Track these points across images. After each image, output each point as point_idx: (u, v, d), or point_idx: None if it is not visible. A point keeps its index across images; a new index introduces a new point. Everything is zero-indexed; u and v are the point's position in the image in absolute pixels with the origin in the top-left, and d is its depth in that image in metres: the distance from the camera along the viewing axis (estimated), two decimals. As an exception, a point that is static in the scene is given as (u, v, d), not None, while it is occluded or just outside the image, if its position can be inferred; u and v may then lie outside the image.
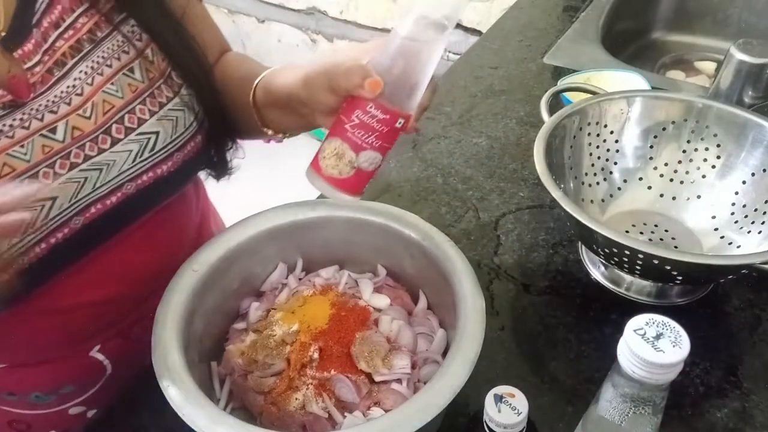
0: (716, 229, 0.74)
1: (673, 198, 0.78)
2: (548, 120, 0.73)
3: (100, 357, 0.67)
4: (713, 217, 0.75)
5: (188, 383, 0.51)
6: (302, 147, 1.15)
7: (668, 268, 0.60)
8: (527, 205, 0.85)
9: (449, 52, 1.93)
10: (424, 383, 0.56)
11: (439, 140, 0.97)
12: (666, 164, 0.78)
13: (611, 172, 0.79)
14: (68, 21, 0.57)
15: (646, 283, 0.71)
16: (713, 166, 0.76)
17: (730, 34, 1.23)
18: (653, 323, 0.44)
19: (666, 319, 0.45)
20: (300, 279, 0.68)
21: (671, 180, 0.78)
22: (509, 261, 0.77)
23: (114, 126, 0.59)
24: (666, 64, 1.21)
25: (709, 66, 1.19)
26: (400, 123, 0.53)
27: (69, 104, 0.57)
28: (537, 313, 0.71)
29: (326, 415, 0.55)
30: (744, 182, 0.73)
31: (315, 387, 0.56)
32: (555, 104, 0.78)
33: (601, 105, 0.77)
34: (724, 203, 0.74)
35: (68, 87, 0.57)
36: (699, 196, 0.76)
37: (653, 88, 0.96)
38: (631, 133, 0.78)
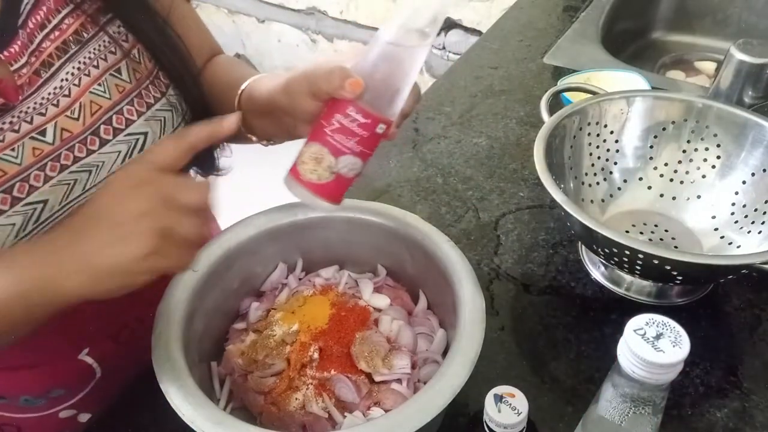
0: (716, 229, 0.74)
1: (673, 198, 0.78)
2: (548, 120, 0.73)
3: (90, 360, 0.66)
4: (713, 217, 0.75)
5: (188, 383, 0.51)
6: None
7: (668, 268, 0.60)
8: (527, 205, 0.85)
9: (449, 52, 1.93)
10: (424, 383, 0.55)
11: (439, 140, 0.97)
12: (666, 164, 0.78)
13: (611, 172, 0.79)
14: (54, 22, 0.57)
15: (646, 283, 0.71)
16: (713, 166, 0.76)
17: (730, 34, 1.23)
18: (653, 323, 0.44)
19: (666, 319, 0.45)
20: (300, 279, 0.68)
21: (671, 180, 0.78)
22: (509, 261, 0.77)
23: (102, 127, 0.59)
24: (666, 64, 1.21)
25: (709, 66, 1.19)
26: (381, 128, 0.52)
27: (57, 106, 0.56)
28: (537, 313, 0.71)
29: (326, 415, 0.55)
30: (744, 182, 0.73)
31: (315, 387, 0.56)
32: (555, 104, 0.78)
33: (601, 105, 0.77)
34: (724, 203, 0.74)
35: (55, 88, 0.56)
36: (699, 196, 0.76)
37: (653, 88, 0.96)
38: (631, 133, 0.78)
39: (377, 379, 0.57)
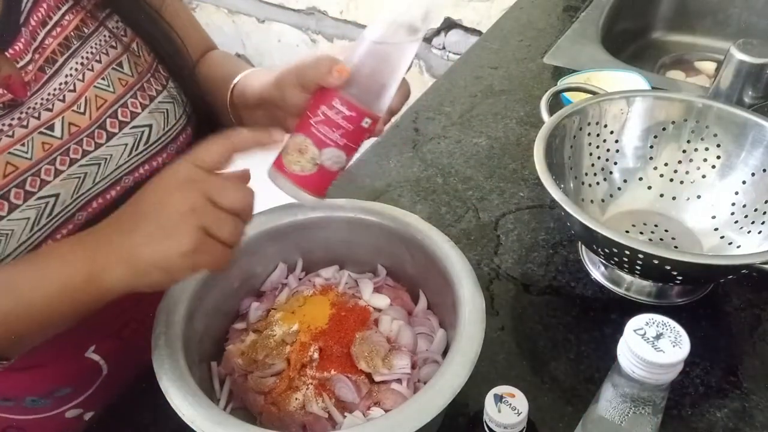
0: (716, 229, 0.74)
1: (673, 198, 0.78)
2: (548, 120, 0.73)
3: (96, 357, 0.67)
4: (713, 217, 0.75)
5: (188, 383, 0.51)
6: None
7: (668, 268, 0.60)
8: (527, 205, 0.85)
9: (449, 52, 1.93)
10: (424, 383, 0.56)
11: (439, 140, 0.97)
12: (666, 164, 0.78)
13: (611, 172, 0.79)
14: (55, 18, 0.58)
15: (646, 283, 0.71)
16: (713, 166, 0.76)
17: (730, 34, 1.23)
18: (653, 323, 0.44)
19: (666, 319, 0.45)
20: (300, 279, 0.68)
21: (671, 180, 0.78)
22: (509, 261, 0.77)
23: (108, 120, 0.60)
24: (666, 64, 1.21)
25: (709, 66, 1.19)
26: (366, 122, 0.52)
27: (63, 101, 0.57)
28: (537, 313, 0.71)
29: (326, 415, 0.55)
30: (744, 182, 0.73)
31: (315, 387, 0.56)
32: (555, 104, 0.78)
33: (601, 105, 0.77)
34: (724, 203, 0.74)
35: (61, 84, 0.57)
36: (699, 196, 0.76)
37: (653, 88, 0.96)
38: (631, 133, 0.78)
39: (377, 379, 0.57)
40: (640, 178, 0.79)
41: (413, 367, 0.58)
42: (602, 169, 0.79)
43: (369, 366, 0.57)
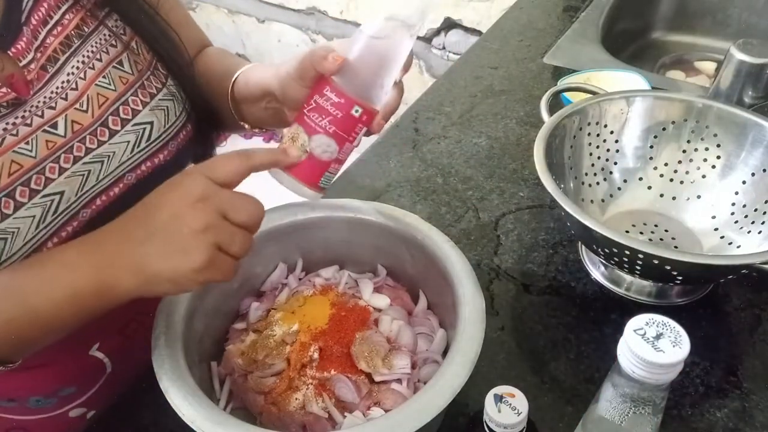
0: (716, 229, 0.74)
1: (673, 198, 0.78)
2: (548, 120, 0.73)
3: (100, 355, 0.67)
4: (713, 217, 0.75)
5: (188, 383, 0.51)
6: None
7: (668, 268, 0.60)
8: (527, 205, 0.85)
9: (449, 52, 1.93)
10: (424, 383, 0.56)
11: (439, 140, 0.97)
12: (666, 164, 0.78)
13: (611, 172, 0.79)
14: (55, 18, 0.58)
15: (646, 283, 0.71)
16: (713, 166, 0.76)
17: (730, 34, 1.23)
18: (653, 323, 0.44)
19: (666, 319, 0.45)
20: (300, 279, 0.68)
21: (671, 180, 0.78)
22: (509, 261, 0.77)
23: (110, 118, 0.60)
24: (666, 64, 1.21)
25: (709, 66, 1.19)
26: (356, 111, 0.53)
27: (66, 99, 0.58)
28: (537, 313, 0.71)
29: (326, 415, 0.55)
30: (744, 182, 0.73)
31: (315, 387, 0.56)
32: (555, 104, 0.78)
33: (601, 105, 0.77)
34: (724, 203, 0.74)
35: (63, 82, 0.58)
36: (699, 196, 0.76)
37: (653, 88, 0.96)
38: (631, 133, 0.78)
39: (377, 379, 0.57)
40: (640, 178, 0.79)
41: (413, 367, 0.58)
42: (602, 169, 0.79)
43: (369, 366, 0.57)
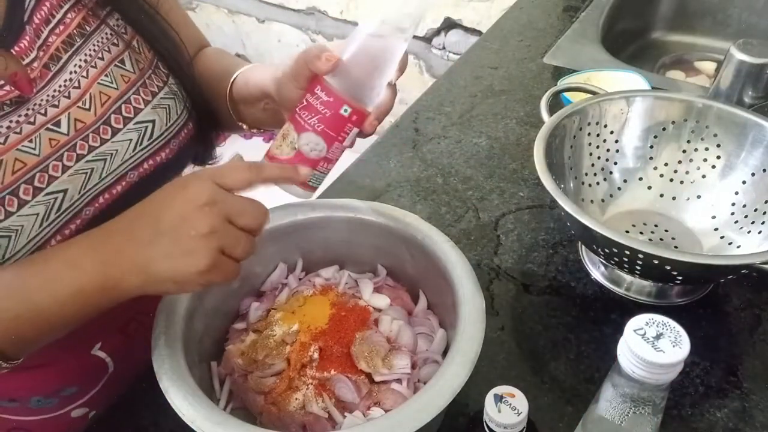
0: (716, 229, 0.74)
1: (673, 198, 0.78)
2: (548, 120, 0.73)
3: (102, 355, 0.67)
4: (713, 217, 0.75)
5: (188, 383, 0.51)
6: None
7: (668, 268, 0.60)
8: (527, 205, 0.85)
9: (449, 52, 1.93)
10: (424, 383, 0.56)
11: (439, 140, 0.97)
12: (666, 164, 0.78)
13: (611, 172, 0.79)
14: (58, 16, 0.59)
15: (646, 283, 0.71)
16: (713, 166, 0.76)
17: (730, 34, 1.23)
18: (653, 323, 0.44)
19: (666, 319, 0.45)
20: (300, 279, 0.68)
21: (671, 180, 0.78)
22: (509, 261, 0.77)
23: (113, 116, 0.61)
24: (666, 64, 1.21)
25: (709, 66, 1.19)
26: (345, 110, 0.54)
27: (68, 97, 0.58)
28: (537, 313, 0.71)
29: (326, 415, 0.55)
30: (744, 182, 0.73)
31: (315, 387, 0.56)
32: (555, 104, 0.78)
33: (601, 105, 0.77)
34: (724, 203, 0.74)
35: (65, 81, 0.58)
36: (699, 196, 0.76)
37: (653, 88, 0.96)
38: (631, 133, 0.78)
39: (377, 379, 0.57)
40: (640, 178, 0.79)
41: (413, 367, 0.58)
42: (602, 169, 0.79)
43: (369, 366, 0.57)
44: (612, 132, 0.78)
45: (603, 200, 0.79)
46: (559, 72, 1.08)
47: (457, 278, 0.57)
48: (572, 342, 0.68)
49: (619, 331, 0.45)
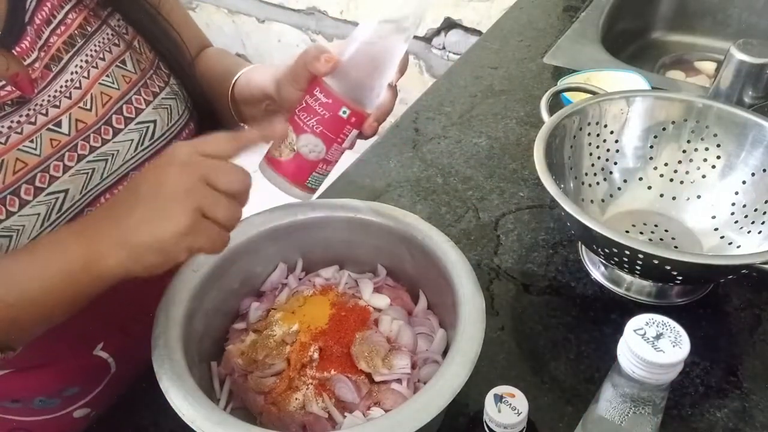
0: (716, 229, 0.74)
1: (673, 198, 0.78)
2: (548, 120, 0.73)
3: (104, 355, 0.67)
4: (713, 217, 0.75)
5: (188, 383, 0.51)
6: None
7: (668, 268, 0.60)
8: (527, 205, 0.85)
9: (449, 52, 1.93)
10: (424, 383, 0.56)
11: (439, 140, 0.97)
12: (666, 164, 0.78)
13: (611, 172, 0.79)
14: (59, 17, 0.59)
15: (646, 283, 0.71)
16: (713, 166, 0.76)
17: (730, 34, 1.23)
18: (653, 323, 0.44)
19: (666, 319, 0.45)
20: (300, 279, 0.68)
21: (671, 180, 0.78)
22: (509, 261, 0.77)
23: (114, 117, 0.61)
24: (666, 64, 1.21)
25: (709, 66, 1.19)
26: (344, 112, 0.54)
27: (70, 98, 0.58)
28: (537, 313, 0.71)
29: (326, 415, 0.55)
30: (744, 182, 0.73)
31: (315, 387, 0.56)
32: (555, 104, 0.78)
33: (601, 105, 0.77)
34: (724, 203, 0.74)
35: (66, 81, 0.58)
36: (699, 196, 0.76)
37: (653, 88, 0.96)
38: (631, 133, 0.78)
39: (377, 379, 0.57)
40: (640, 178, 0.79)
41: (413, 367, 0.58)
42: (602, 169, 0.79)
43: (369, 366, 0.57)
44: (612, 132, 0.78)
45: (603, 200, 0.79)
46: (559, 72, 1.08)
47: (457, 278, 0.57)
48: (572, 342, 0.68)
49: (619, 331, 0.45)
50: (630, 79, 0.97)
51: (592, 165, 0.78)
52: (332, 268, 0.68)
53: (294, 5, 2.19)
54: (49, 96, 0.57)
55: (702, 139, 0.76)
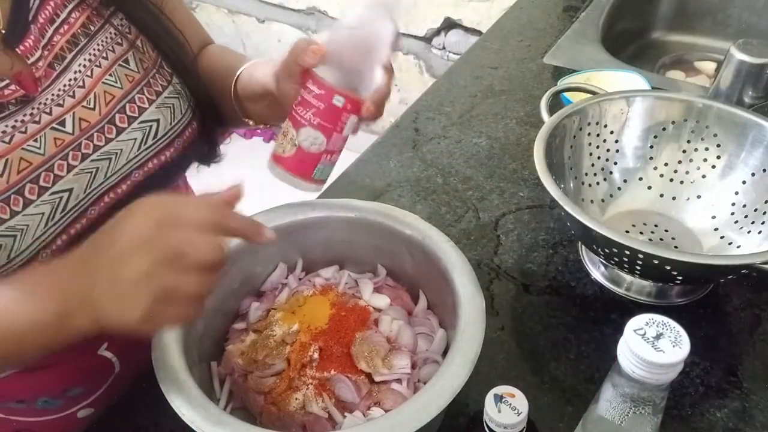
0: (716, 229, 0.74)
1: (673, 198, 0.78)
2: (548, 120, 0.73)
3: (108, 355, 0.67)
4: (713, 217, 0.75)
5: (188, 383, 0.51)
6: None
7: (668, 268, 0.60)
8: (527, 205, 0.85)
9: (449, 52, 1.93)
10: (424, 383, 0.56)
11: (439, 140, 0.97)
12: (666, 164, 0.78)
13: (611, 172, 0.79)
14: (62, 16, 0.59)
15: (646, 283, 0.71)
16: (713, 166, 0.75)
17: (730, 34, 1.23)
18: (653, 323, 0.44)
19: (666, 319, 0.45)
20: (300, 279, 0.68)
21: (671, 180, 0.78)
22: (509, 261, 0.77)
23: (117, 116, 0.61)
24: (666, 64, 1.21)
25: (709, 66, 1.19)
26: (338, 101, 0.54)
27: (73, 97, 0.58)
28: (537, 313, 0.71)
29: (326, 415, 0.55)
30: (744, 182, 0.73)
31: (315, 387, 0.56)
32: (555, 104, 0.78)
33: (601, 105, 0.77)
34: (724, 203, 0.74)
35: (70, 80, 0.58)
36: (699, 196, 0.76)
37: (653, 88, 0.96)
38: (631, 133, 0.78)
39: (377, 379, 0.57)
40: (640, 178, 0.79)
41: (413, 367, 0.58)
42: (602, 169, 0.79)
43: (369, 366, 0.57)
44: (612, 132, 0.78)
45: (603, 200, 0.79)
46: (559, 72, 1.08)
47: (457, 278, 0.57)
48: (572, 342, 0.68)
49: (619, 331, 0.45)
50: (630, 79, 0.97)
51: (592, 165, 0.78)
52: (332, 268, 0.68)
53: (294, 5, 2.19)
54: (53, 95, 0.57)
55: (702, 139, 0.76)
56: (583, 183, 0.78)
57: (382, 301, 0.64)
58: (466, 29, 1.86)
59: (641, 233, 0.76)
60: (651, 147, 0.78)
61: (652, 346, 0.43)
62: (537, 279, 0.75)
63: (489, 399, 0.48)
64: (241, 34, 2.42)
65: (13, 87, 0.53)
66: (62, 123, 0.57)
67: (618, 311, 0.71)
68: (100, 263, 0.45)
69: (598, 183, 0.78)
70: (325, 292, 0.64)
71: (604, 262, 0.71)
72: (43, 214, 0.55)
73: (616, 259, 0.63)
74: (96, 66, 0.60)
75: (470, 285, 0.56)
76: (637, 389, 0.45)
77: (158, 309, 0.44)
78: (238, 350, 0.61)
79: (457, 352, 0.51)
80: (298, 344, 0.58)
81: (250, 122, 0.72)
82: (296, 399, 0.56)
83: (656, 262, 0.60)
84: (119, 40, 0.63)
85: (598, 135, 0.78)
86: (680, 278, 0.63)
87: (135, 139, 0.62)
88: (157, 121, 0.63)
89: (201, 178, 0.77)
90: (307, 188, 0.57)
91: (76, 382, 0.67)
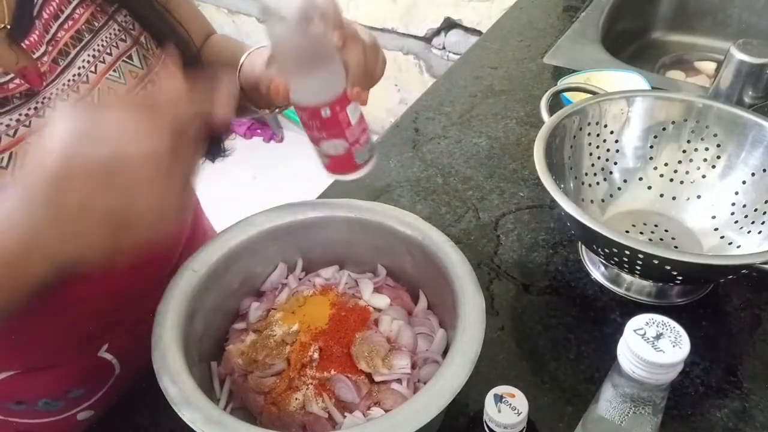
0: (716, 229, 0.74)
1: (673, 198, 0.78)
2: (548, 120, 0.73)
3: (109, 356, 0.67)
4: (713, 217, 0.75)
5: (188, 383, 0.51)
6: (303, 147, 1.15)
7: (668, 268, 0.60)
8: (527, 205, 0.85)
9: (449, 52, 1.93)
10: (424, 383, 0.55)
11: (439, 140, 0.97)
12: (666, 164, 0.78)
13: (611, 172, 0.79)
14: (66, 12, 0.59)
15: (646, 283, 0.71)
16: (713, 166, 0.76)
17: (730, 34, 1.23)
18: (653, 323, 0.44)
19: (666, 319, 0.45)
20: (300, 279, 0.68)
21: (671, 180, 0.78)
22: (509, 261, 0.77)
23: None
24: (666, 64, 1.21)
25: (709, 66, 1.19)
26: (325, 112, 0.54)
27: (77, 92, 0.58)
28: (537, 313, 0.71)
29: (326, 415, 0.55)
30: (744, 182, 0.73)
31: (315, 387, 0.56)
32: (555, 104, 0.78)
33: (601, 105, 0.77)
34: (724, 203, 0.74)
35: (74, 75, 0.58)
36: (699, 196, 0.76)
37: (653, 88, 0.96)
38: (631, 133, 0.78)
39: (377, 379, 0.57)
40: (640, 178, 0.79)
41: (413, 367, 0.58)
42: (602, 169, 0.79)
43: (369, 366, 0.57)
44: (612, 132, 0.78)
45: (603, 200, 0.79)
46: (559, 72, 1.08)
47: (457, 278, 0.57)
48: (572, 342, 0.68)
49: (619, 331, 0.45)
50: (630, 79, 0.97)
51: (592, 165, 0.78)
52: (332, 268, 0.68)
53: (294, 5, 2.19)
54: (57, 90, 0.57)
55: (702, 139, 0.76)
56: (583, 183, 0.78)
57: (382, 301, 0.64)
58: (466, 29, 1.86)
59: (641, 233, 0.76)
60: (651, 147, 0.78)
61: (652, 346, 0.43)
62: (537, 279, 0.75)
63: (489, 399, 0.48)
64: (241, 34, 2.42)
65: (17, 81, 0.53)
66: None
67: (618, 311, 0.71)
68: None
69: (598, 183, 0.78)
70: (325, 292, 0.64)
71: (604, 262, 0.71)
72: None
73: (616, 259, 0.63)
74: (100, 62, 0.60)
75: (470, 285, 0.56)
76: (637, 389, 0.45)
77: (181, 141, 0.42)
78: (238, 350, 0.61)
79: (457, 352, 0.51)
80: (298, 344, 0.59)
81: (259, 111, 0.72)
82: (296, 399, 0.56)
83: (656, 262, 0.60)
84: (123, 36, 0.63)
85: (598, 135, 0.78)
86: (680, 278, 0.63)
87: None
88: None
89: (202, 178, 0.77)
90: (362, 172, 0.60)
91: (77, 384, 0.67)
